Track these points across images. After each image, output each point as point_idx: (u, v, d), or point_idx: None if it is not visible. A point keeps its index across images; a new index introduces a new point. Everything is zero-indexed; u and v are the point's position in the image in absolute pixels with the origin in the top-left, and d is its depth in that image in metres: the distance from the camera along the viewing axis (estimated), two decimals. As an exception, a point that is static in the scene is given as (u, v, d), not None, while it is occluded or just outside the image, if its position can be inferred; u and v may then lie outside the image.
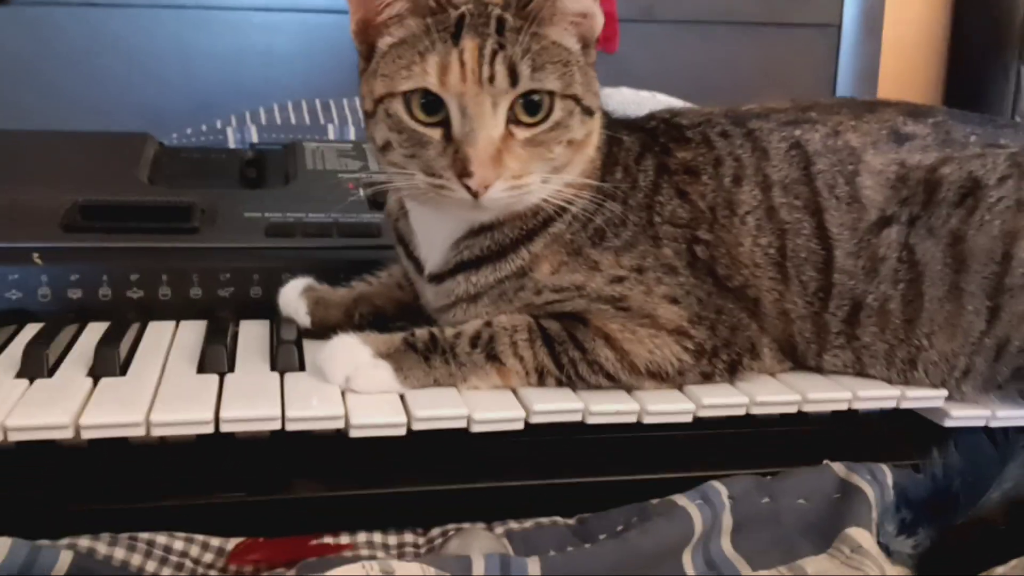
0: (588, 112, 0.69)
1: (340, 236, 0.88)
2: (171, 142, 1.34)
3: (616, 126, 0.76)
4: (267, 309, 0.81)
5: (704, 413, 0.70)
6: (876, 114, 0.80)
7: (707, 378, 0.73)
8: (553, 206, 0.70)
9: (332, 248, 0.87)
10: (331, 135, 1.39)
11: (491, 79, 0.64)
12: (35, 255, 0.80)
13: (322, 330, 0.76)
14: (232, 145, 1.32)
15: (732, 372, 0.74)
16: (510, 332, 0.71)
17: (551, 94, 0.66)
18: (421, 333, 0.71)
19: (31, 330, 0.75)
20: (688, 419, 0.70)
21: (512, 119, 0.65)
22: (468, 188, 0.64)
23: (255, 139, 1.34)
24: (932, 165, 0.76)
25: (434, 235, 0.74)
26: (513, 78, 0.64)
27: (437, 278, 0.75)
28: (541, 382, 0.71)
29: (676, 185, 0.76)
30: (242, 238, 0.86)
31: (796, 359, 0.77)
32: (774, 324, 0.76)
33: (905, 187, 0.75)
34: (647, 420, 0.69)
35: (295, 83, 1.60)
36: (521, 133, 0.66)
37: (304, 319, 0.78)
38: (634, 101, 1.67)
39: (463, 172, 0.64)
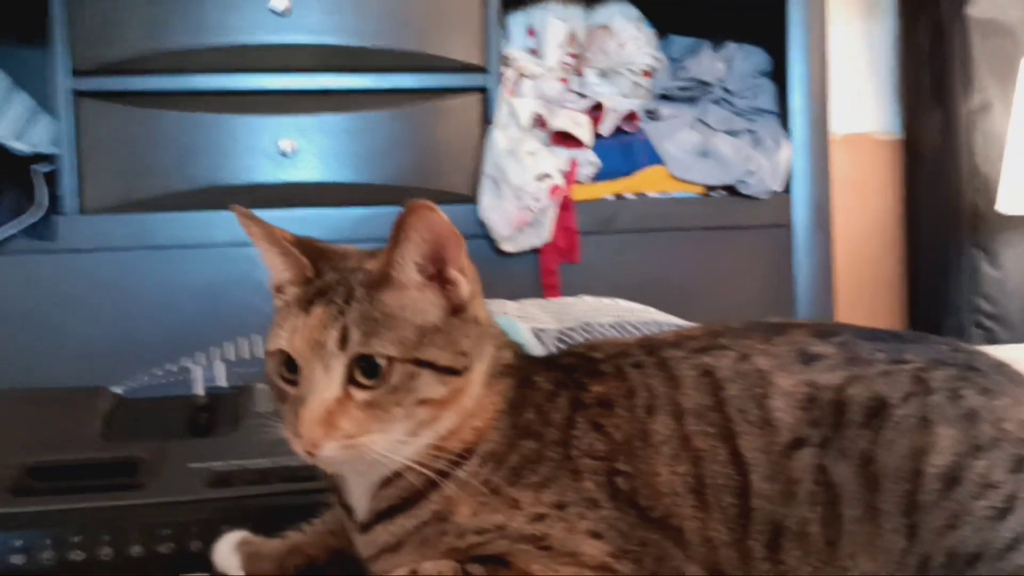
0: (451, 372, 0.72)
1: (281, 482, 0.90)
2: (139, 384, 1.39)
3: (531, 367, 0.80)
4: (205, 563, 0.82)
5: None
6: (785, 336, 0.83)
7: (636, 612, 0.73)
8: (446, 455, 0.72)
9: (273, 495, 0.88)
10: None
11: (323, 344, 0.69)
12: (-22, 523, 0.82)
13: (256, 584, 0.77)
14: (199, 384, 1.37)
15: (660, 605, 0.74)
16: (435, 578, 0.72)
17: (389, 359, 0.69)
18: (345, 586, 0.72)
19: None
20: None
21: (352, 381, 0.69)
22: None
23: (223, 376, 1.39)
24: (840, 385, 0.78)
25: (355, 483, 0.76)
26: (343, 343, 0.69)
27: (364, 527, 0.76)
28: (468, 627, 0.71)
29: (592, 418, 0.79)
30: (184, 490, 0.88)
31: (725, 586, 0.77)
32: (699, 552, 0.76)
33: (815, 408, 0.78)
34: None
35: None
36: (359, 395, 0.69)
37: (238, 574, 0.79)
38: (596, 308, 1.73)
39: (295, 432, 0.68)
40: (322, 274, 0.73)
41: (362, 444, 0.69)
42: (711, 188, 1.94)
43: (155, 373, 1.42)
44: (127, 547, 0.84)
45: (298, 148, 1.78)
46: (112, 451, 0.95)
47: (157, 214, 1.73)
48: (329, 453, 0.68)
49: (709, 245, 1.94)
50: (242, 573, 0.79)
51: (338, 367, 0.69)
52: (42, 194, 1.69)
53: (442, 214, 0.70)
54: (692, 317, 1.65)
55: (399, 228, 0.70)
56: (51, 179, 1.73)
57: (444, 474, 0.73)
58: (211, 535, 0.83)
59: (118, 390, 1.26)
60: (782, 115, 1.95)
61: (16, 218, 1.67)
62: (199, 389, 1.36)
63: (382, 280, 0.71)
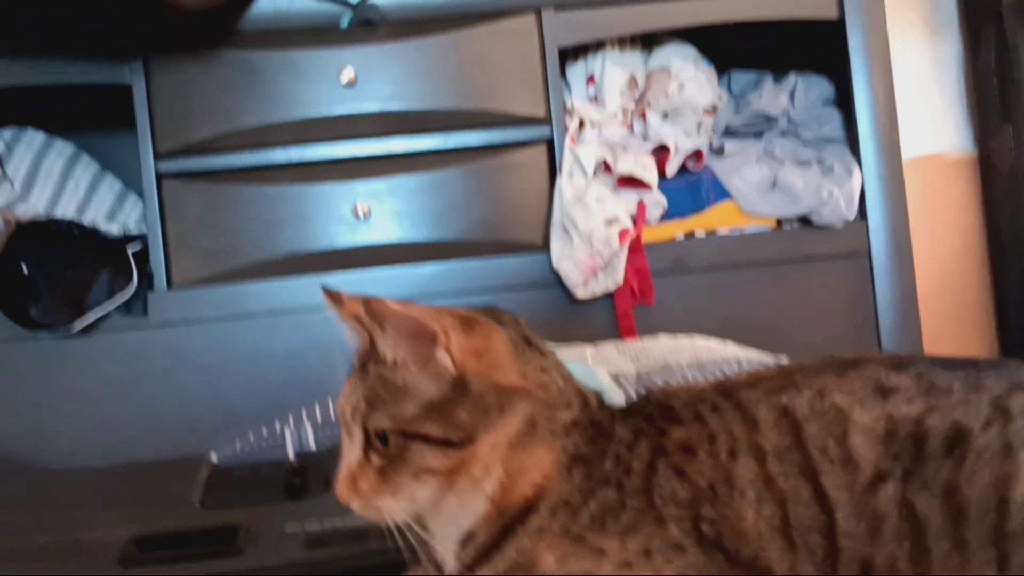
0: (448, 444, 0.75)
1: (376, 540, 0.92)
2: (235, 451, 1.44)
3: (607, 418, 0.81)
4: (307, 624, 0.85)
5: None
6: (859, 370, 0.83)
7: (728, 658, 0.73)
8: (513, 508, 0.74)
9: (368, 553, 0.91)
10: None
11: (346, 413, 0.77)
12: (91, 595, 0.86)
13: (355, 643, 0.79)
14: (291, 446, 1.42)
15: (753, 649, 0.74)
16: (527, 630, 0.73)
17: (385, 431, 0.75)
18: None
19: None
20: None
21: (372, 447, 0.75)
22: None
23: (311, 437, 1.44)
24: (918, 417, 0.78)
25: (439, 541, 0.79)
26: (355, 414, 0.76)
27: (455, 582, 0.78)
28: (564, 677, 0.72)
29: (674, 465, 0.80)
30: (283, 554, 0.92)
31: (818, 627, 0.76)
32: (790, 594, 0.76)
33: (895, 442, 0.77)
34: None
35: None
36: (375, 461, 0.75)
37: (337, 633, 0.82)
38: (673, 348, 1.73)
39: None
40: (373, 346, 0.78)
41: (378, 506, 0.75)
42: (783, 221, 1.92)
43: (248, 439, 1.48)
44: (231, 612, 0.87)
45: (371, 211, 1.83)
46: (212, 519, 0.99)
47: (242, 284, 1.79)
48: (356, 510, 0.75)
49: (785, 278, 1.92)
50: (342, 632, 0.82)
51: (358, 434, 0.76)
52: (134, 272, 1.78)
53: (394, 307, 0.74)
54: (772, 352, 1.64)
55: (370, 322, 0.76)
56: (141, 257, 1.82)
57: (511, 527, 0.76)
58: (310, 596, 0.86)
59: (214, 457, 1.31)
60: (851, 142, 1.94)
61: (110, 297, 1.75)
62: (291, 452, 1.41)
63: (383, 359, 0.76)
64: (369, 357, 0.77)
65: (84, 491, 1.10)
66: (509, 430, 0.76)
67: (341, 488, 0.75)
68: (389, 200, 1.84)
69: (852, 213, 1.88)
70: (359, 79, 1.80)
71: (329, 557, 0.91)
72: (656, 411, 0.84)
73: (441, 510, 0.77)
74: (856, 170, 1.89)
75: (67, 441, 1.70)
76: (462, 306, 0.87)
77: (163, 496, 1.05)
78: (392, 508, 0.75)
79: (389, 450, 0.74)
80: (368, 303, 0.75)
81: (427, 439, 0.74)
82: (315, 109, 1.81)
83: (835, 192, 1.84)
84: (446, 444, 0.74)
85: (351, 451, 0.76)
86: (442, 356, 0.75)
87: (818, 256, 1.92)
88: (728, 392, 0.85)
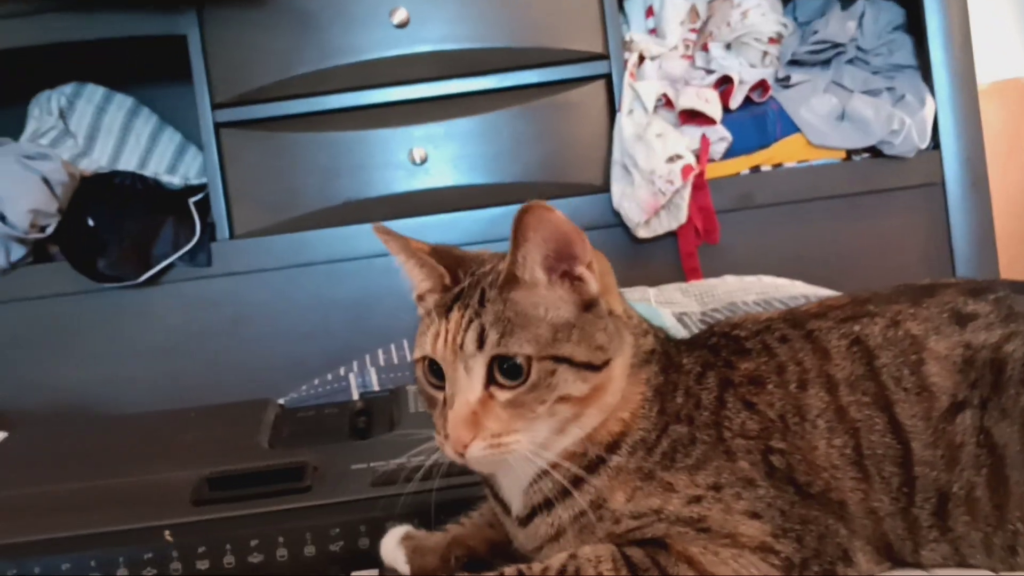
0: (589, 367, 0.72)
1: (441, 477, 0.92)
2: (301, 395, 1.46)
3: (675, 351, 0.79)
4: (375, 559, 0.85)
5: (801, 629, 0.68)
6: (935, 297, 0.80)
7: (802, 591, 0.72)
8: (595, 447, 0.73)
9: (432, 490, 0.91)
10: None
11: (463, 346, 0.70)
12: (166, 533, 0.88)
13: (422, 576, 0.79)
14: (354, 390, 1.43)
15: (827, 582, 0.72)
16: (594, 563, 0.72)
17: (527, 357, 0.70)
18: (510, 571, 0.73)
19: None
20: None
21: (494, 381, 0.70)
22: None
23: (375, 381, 1.44)
24: (996, 343, 0.75)
25: (509, 480, 0.78)
26: (481, 344, 0.70)
27: (522, 521, 0.77)
28: (631, 609, 0.71)
29: (742, 397, 0.77)
30: (350, 491, 0.92)
31: (893, 558, 0.74)
32: (864, 525, 0.74)
33: (973, 369, 0.74)
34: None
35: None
36: (501, 395, 0.70)
37: (404, 568, 0.82)
38: (740, 287, 1.69)
39: (444, 434, 0.70)
40: (459, 280, 0.75)
41: (507, 443, 0.70)
42: (853, 152, 1.86)
43: (314, 383, 1.49)
44: (301, 548, 0.88)
45: (429, 156, 1.82)
46: (280, 458, 1.00)
47: (303, 233, 1.80)
48: (477, 453, 0.70)
49: (856, 212, 1.87)
50: (408, 567, 0.82)
51: (478, 368, 0.70)
52: (196, 223, 1.80)
53: (559, 213, 0.70)
54: (844, 288, 1.59)
55: (517, 230, 0.70)
56: (203, 208, 1.84)
57: (595, 465, 0.74)
58: (377, 532, 0.86)
59: (281, 401, 1.33)
60: (922, 69, 1.86)
61: (174, 248, 1.78)
62: (355, 395, 1.42)
63: (510, 281, 0.72)
64: (471, 287, 0.73)
65: (156, 435, 1.13)
66: (624, 358, 0.74)
67: (459, 429, 0.69)
68: (446, 144, 1.83)
69: (925, 142, 1.81)
70: (412, 19, 1.78)
71: (395, 494, 0.91)
72: (722, 342, 0.82)
73: (548, 446, 0.72)
74: (929, 98, 1.82)
75: (137, 389, 1.75)
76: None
77: (232, 438, 1.07)
78: (520, 444, 0.70)
79: (527, 378, 0.70)
80: (531, 208, 0.69)
81: (570, 362, 0.71)
82: (368, 52, 1.79)
83: (907, 121, 1.78)
84: (587, 367, 0.71)
85: (469, 388, 0.70)
86: (586, 274, 0.72)
87: (890, 188, 1.86)
88: (797, 322, 0.82)
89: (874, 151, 1.85)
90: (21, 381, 1.77)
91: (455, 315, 0.72)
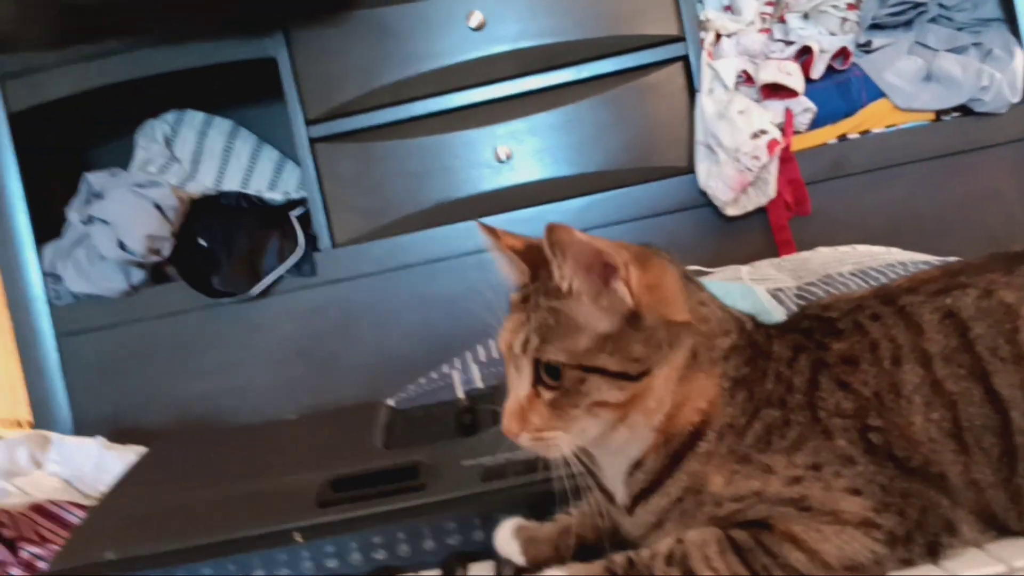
0: (625, 377, 0.75)
1: (546, 469, 0.96)
2: (408, 395, 1.52)
3: (765, 338, 0.81)
4: (490, 551, 0.90)
5: (906, 600, 0.70)
6: (1030, 264, 0.80)
7: (907, 564, 0.73)
8: (680, 435, 0.76)
9: (541, 482, 0.95)
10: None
11: (513, 347, 0.76)
12: (296, 534, 0.94)
13: (536, 566, 0.83)
14: (459, 387, 1.48)
15: (932, 554, 0.74)
16: (700, 546, 0.75)
17: (561, 364, 0.74)
18: (619, 558, 0.77)
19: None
20: (891, 608, 0.70)
21: (540, 381, 0.75)
22: None
23: (477, 376, 1.49)
24: (1094, 307, 0.74)
25: (610, 472, 0.81)
26: (524, 347, 0.75)
27: (628, 509, 0.81)
28: (739, 590, 0.74)
29: (836, 377, 0.79)
30: (463, 487, 0.97)
31: (998, 527, 0.75)
32: (966, 496, 0.75)
33: (1070, 335, 0.74)
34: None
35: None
36: (545, 394, 0.75)
37: (519, 558, 0.86)
38: (835, 258, 1.68)
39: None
40: (537, 280, 0.79)
41: (548, 438, 0.75)
42: (942, 113, 1.82)
43: (419, 382, 1.55)
44: (421, 543, 0.93)
45: (512, 152, 1.86)
46: (395, 458, 1.06)
47: (399, 237, 1.87)
48: (524, 443, 0.76)
49: (949, 173, 1.83)
50: (522, 557, 0.86)
51: (526, 369, 0.75)
52: (299, 235, 1.88)
53: (579, 234, 0.73)
54: (941, 251, 1.57)
55: (551, 247, 0.74)
56: (304, 221, 1.92)
57: (680, 454, 0.77)
58: (490, 525, 0.91)
59: (391, 402, 1.39)
60: (1009, 21, 1.80)
61: (281, 260, 1.87)
62: (460, 392, 1.47)
63: (555, 291, 0.76)
64: (536, 290, 0.78)
65: (279, 442, 1.20)
66: (677, 363, 0.76)
67: (509, 422, 0.75)
68: (529, 139, 1.86)
69: (1016, 96, 1.76)
70: (487, 21, 1.82)
71: (505, 487, 0.96)
72: (813, 325, 0.83)
73: (609, 442, 0.78)
74: (1018, 50, 1.76)
75: (258, 397, 1.85)
76: (612, 238, 0.88)
77: (349, 440, 1.13)
78: (562, 441, 0.76)
79: (562, 383, 0.74)
80: (552, 230, 0.73)
81: (604, 372, 0.74)
82: (449, 57, 1.84)
83: (996, 76, 1.73)
84: (622, 377, 0.74)
85: (519, 385, 0.76)
86: (620, 288, 0.75)
87: (982, 146, 1.81)
88: (888, 298, 0.83)
89: (964, 110, 1.80)
90: (150, 396, 1.89)
91: (515, 316, 0.77)
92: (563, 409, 0.75)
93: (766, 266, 1.66)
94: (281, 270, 1.85)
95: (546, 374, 0.75)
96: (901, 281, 0.86)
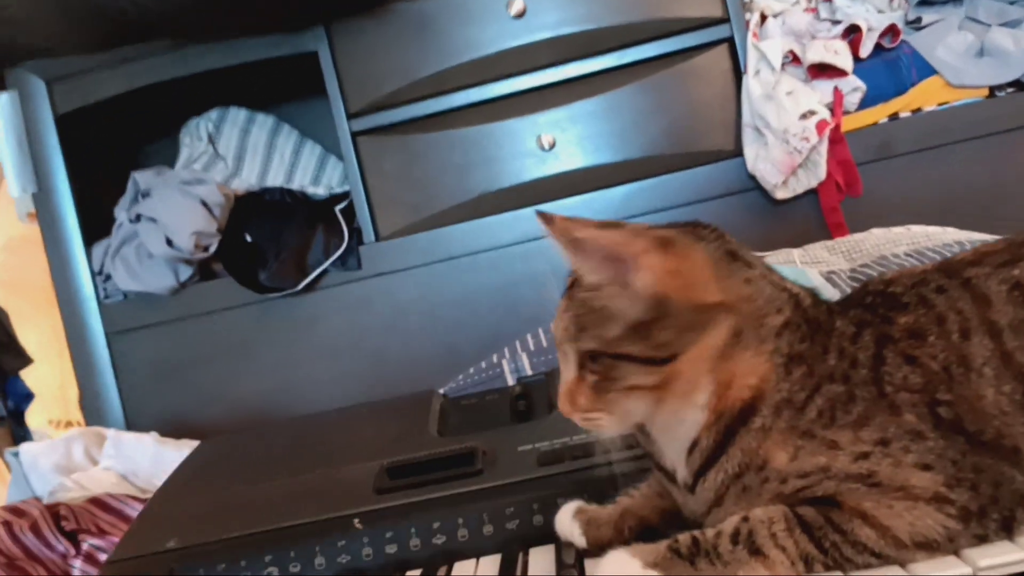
0: (653, 362, 0.75)
1: (603, 453, 0.96)
2: (459, 384, 1.52)
3: (825, 316, 0.80)
4: (549, 534, 0.89)
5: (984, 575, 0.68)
6: (1097, 232, 0.77)
7: (982, 540, 0.71)
8: (731, 412, 0.75)
9: (598, 466, 0.94)
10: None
11: (558, 334, 0.78)
12: (355, 521, 0.94)
13: (598, 548, 0.83)
14: (509, 376, 1.47)
15: (1007, 529, 0.72)
16: (767, 524, 0.74)
17: (595, 351, 0.76)
18: (683, 538, 0.76)
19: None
20: (967, 585, 0.68)
21: (585, 366, 0.77)
22: None
23: (527, 365, 1.49)
24: None
25: (671, 451, 0.80)
26: (567, 334, 0.77)
27: (689, 487, 0.80)
28: (809, 569, 0.73)
29: (903, 352, 0.77)
30: (520, 472, 0.97)
31: (1078, 501, 0.73)
32: (1042, 469, 0.73)
33: None
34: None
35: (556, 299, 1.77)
36: (589, 378, 0.77)
37: (580, 540, 0.85)
38: (888, 239, 1.65)
39: None
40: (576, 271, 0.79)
41: (594, 419, 0.77)
42: (996, 88, 1.78)
43: (469, 372, 1.55)
44: (480, 528, 0.93)
45: (556, 141, 1.85)
46: (450, 445, 1.06)
47: (443, 228, 1.86)
48: (578, 423, 0.77)
49: (1004, 149, 1.79)
50: (584, 539, 0.85)
51: (572, 354, 0.77)
52: (344, 229, 1.88)
53: (585, 232, 0.74)
54: (997, 230, 1.53)
55: (563, 244, 0.75)
56: (348, 215, 1.92)
57: (732, 431, 0.76)
58: (548, 509, 0.90)
59: (442, 391, 1.39)
60: (1065, -10, 1.76)
61: (326, 255, 1.87)
62: (509, 381, 1.47)
63: (578, 283, 0.77)
64: (576, 279, 0.79)
65: (334, 432, 1.21)
66: (712, 344, 0.75)
67: (562, 403, 0.78)
68: (571, 127, 1.85)
69: (1075, 68, 1.72)
70: (528, 8, 1.81)
71: (563, 471, 0.95)
72: (877, 300, 0.81)
73: (659, 422, 0.79)
74: (1076, 20, 1.72)
75: (309, 391, 1.86)
76: (659, 222, 0.87)
77: (404, 429, 1.13)
78: (607, 423, 0.77)
79: (599, 369, 0.76)
80: (562, 228, 0.75)
81: (631, 358, 0.75)
82: (489, 46, 1.83)
83: (1053, 47, 1.69)
84: (649, 362, 0.75)
85: (567, 369, 0.78)
86: (638, 279, 0.75)
87: (1043, 121, 1.77)
88: (953, 271, 0.80)
89: (1019, 85, 1.76)
90: (202, 393, 1.91)
91: (563, 302, 0.78)
92: (604, 392, 0.76)
93: (818, 249, 1.63)
94: (326, 264, 1.86)
95: (590, 360, 0.76)
96: (964, 255, 0.84)
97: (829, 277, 1.47)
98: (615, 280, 0.75)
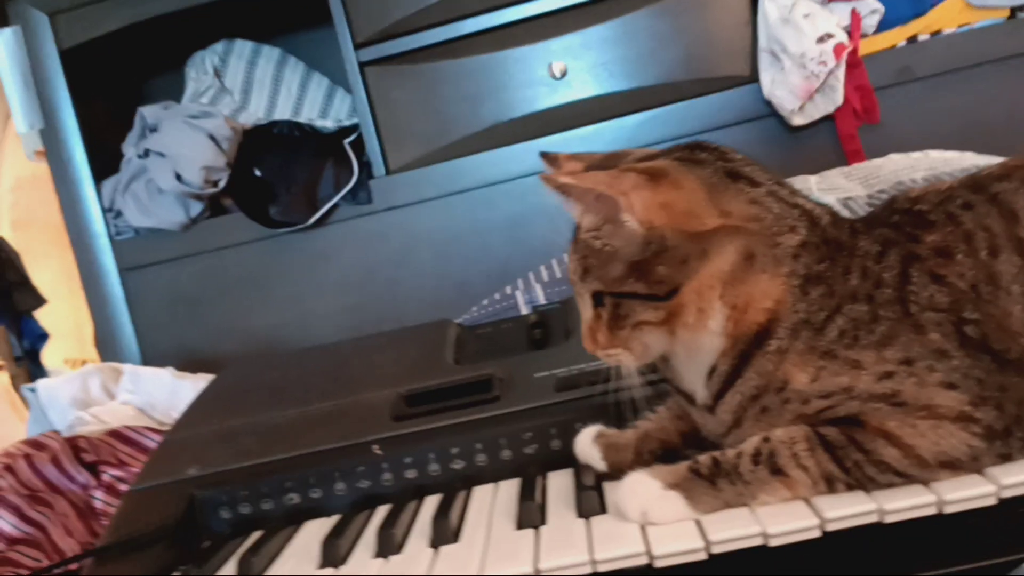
0: (656, 297, 0.76)
1: (619, 379, 0.95)
2: (473, 315, 1.52)
3: (848, 234, 0.78)
4: (567, 459, 0.89)
5: (1008, 493, 0.68)
6: None
7: (1006, 459, 0.71)
8: (746, 338, 0.75)
9: (616, 391, 0.94)
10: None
11: (572, 275, 0.80)
12: (375, 447, 0.94)
13: (617, 472, 0.83)
14: (523, 306, 1.47)
15: (1031, 448, 0.71)
16: (788, 444, 0.74)
17: (602, 292, 0.77)
18: (704, 459, 0.76)
19: (382, 511, 0.90)
20: (992, 502, 0.68)
21: (600, 303, 0.78)
22: None
23: (541, 296, 1.48)
24: None
25: (690, 375, 0.80)
26: (574, 276, 0.79)
27: (709, 408, 0.79)
28: (830, 488, 0.73)
29: (929, 270, 0.76)
30: (537, 397, 0.97)
31: (1103, 421, 0.72)
32: (1067, 389, 0.72)
33: None
34: (948, 510, 0.68)
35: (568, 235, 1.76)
36: (603, 316, 0.78)
37: (600, 464, 0.85)
38: (906, 165, 1.63)
39: None
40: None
41: (613, 355, 0.78)
42: (1018, 9, 1.73)
43: (483, 303, 1.54)
44: (498, 453, 0.93)
45: (568, 68, 1.81)
46: (467, 373, 1.06)
47: (455, 161, 1.84)
48: (601, 358, 0.79)
49: (1024, 73, 1.75)
50: (603, 463, 0.85)
51: (586, 295, 0.78)
52: (353, 163, 1.86)
53: (566, 180, 0.75)
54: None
55: (556, 191, 0.76)
56: (357, 147, 1.90)
57: (748, 354, 0.76)
58: (567, 434, 0.91)
59: (458, 322, 1.39)
60: (1093, -96, 1.70)
61: (336, 189, 1.86)
62: (523, 311, 1.46)
63: (579, 227, 0.78)
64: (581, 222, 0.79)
65: (350, 361, 1.21)
66: (718, 270, 0.74)
67: (585, 342, 0.79)
68: (584, 54, 1.81)
69: (1102, -14, 1.67)
70: (538, -72, 1.76)
71: (580, 396, 0.95)
72: (903, 218, 0.80)
73: (678, 352, 0.79)
74: (1104, -65, 1.66)
75: (322, 325, 1.85)
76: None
77: (420, 358, 1.13)
78: (627, 358, 0.78)
79: (608, 308, 0.77)
80: (547, 177, 0.76)
81: (634, 296, 0.76)
82: (499, -32, 1.79)
83: (1080, -35, 1.64)
84: (652, 299, 0.75)
85: (585, 309, 0.79)
86: (628, 218, 0.74)
87: (1067, 42, 1.72)
88: (980, 186, 0.79)
89: (1044, 3, 1.72)
90: (215, 328, 1.91)
91: (572, 244, 0.80)
92: (617, 330, 0.77)
93: (836, 175, 1.61)
94: (337, 198, 1.84)
95: (597, 300, 0.78)
96: (992, 169, 0.82)
97: (846, 203, 1.45)
98: (608, 222, 0.76)
